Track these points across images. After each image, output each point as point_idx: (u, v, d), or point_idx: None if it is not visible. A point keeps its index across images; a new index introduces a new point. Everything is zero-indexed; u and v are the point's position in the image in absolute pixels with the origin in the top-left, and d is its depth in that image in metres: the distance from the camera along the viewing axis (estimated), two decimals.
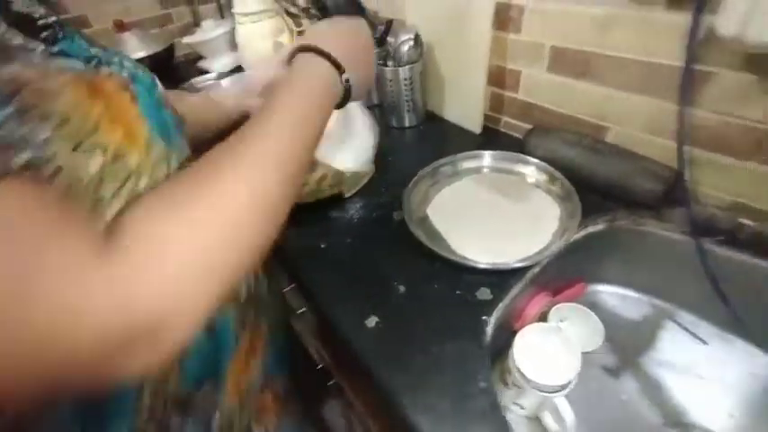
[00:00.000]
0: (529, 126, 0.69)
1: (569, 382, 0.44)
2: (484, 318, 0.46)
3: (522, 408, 0.52)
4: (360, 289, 0.52)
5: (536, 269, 0.53)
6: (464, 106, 0.76)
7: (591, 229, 0.57)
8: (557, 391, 0.45)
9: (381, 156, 0.74)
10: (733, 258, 0.50)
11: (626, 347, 0.60)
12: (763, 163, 0.46)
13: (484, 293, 0.49)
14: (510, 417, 0.54)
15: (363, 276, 0.54)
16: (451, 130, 0.80)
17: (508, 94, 0.71)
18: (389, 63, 0.79)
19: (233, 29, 1.18)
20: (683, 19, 0.44)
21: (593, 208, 0.57)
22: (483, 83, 0.68)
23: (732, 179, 0.50)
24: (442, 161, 0.67)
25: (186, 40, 1.19)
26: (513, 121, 0.73)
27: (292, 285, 0.70)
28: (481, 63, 0.66)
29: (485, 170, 0.66)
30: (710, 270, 0.51)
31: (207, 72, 1.19)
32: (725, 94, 0.46)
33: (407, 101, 0.78)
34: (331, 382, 0.95)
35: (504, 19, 0.63)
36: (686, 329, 0.59)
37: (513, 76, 0.68)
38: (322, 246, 0.59)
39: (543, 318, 0.59)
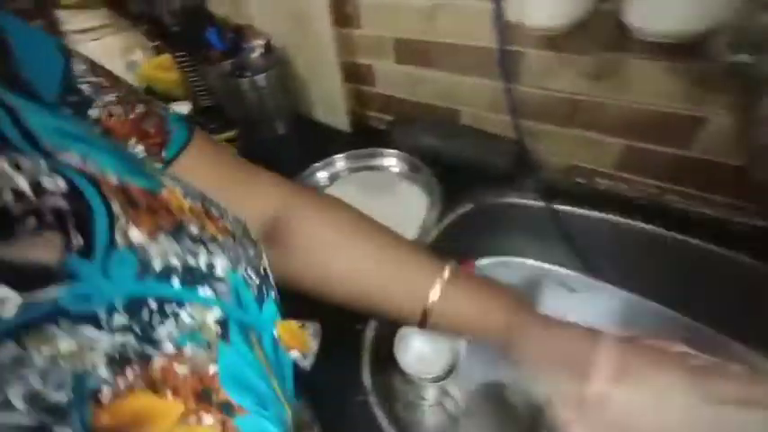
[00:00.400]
0: (391, 118, 0.70)
1: (451, 369, 0.45)
2: (359, 326, 0.45)
3: (425, 399, 0.53)
4: None
5: None
6: (329, 106, 0.74)
7: (460, 210, 0.59)
8: (441, 379, 0.46)
9: None
10: (577, 214, 0.56)
11: None
12: (581, 128, 0.52)
13: None
14: (419, 409, 0.55)
15: None
16: (324, 131, 0.78)
17: (367, 89, 0.71)
18: (246, 74, 0.75)
19: None
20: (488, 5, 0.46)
21: (459, 189, 0.59)
22: (339, 81, 0.67)
23: (561, 145, 0.55)
24: (311, 171, 0.65)
25: None
26: (380, 116, 0.73)
27: None
28: (332, 61, 0.65)
29: (348, 172, 0.65)
30: (562, 227, 0.56)
31: None
32: (535, 71, 0.50)
33: (271, 109, 0.75)
34: None
35: (342, 15, 0.62)
36: (558, 282, 0.65)
37: (367, 71, 0.68)
38: None
39: None
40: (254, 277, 0.24)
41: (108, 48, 1.03)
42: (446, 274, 0.31)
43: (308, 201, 0.35)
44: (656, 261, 0.54)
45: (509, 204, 0.61)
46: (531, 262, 0.67)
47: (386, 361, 0.46)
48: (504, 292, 0.32)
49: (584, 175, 0.56)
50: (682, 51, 0.39)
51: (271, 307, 0.25)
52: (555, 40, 0.46)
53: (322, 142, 0.75)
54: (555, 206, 0.56)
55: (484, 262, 0.70)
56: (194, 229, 0.20)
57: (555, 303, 0.64)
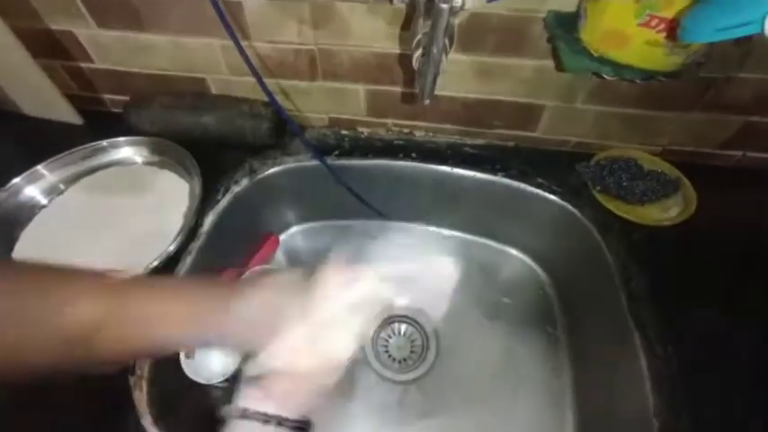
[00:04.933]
0: (129, 99, 0.57)
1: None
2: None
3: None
4: None
5: (189, 257, 0.46)
6: (32, 93, 0.56)
7: (236, 188, 0.54)
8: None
9: None
10: (350, 165, 0.57)
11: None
12: (326, 79, 0.51)
13: None
14: None
15: None
16: (43, 127, 0.59)
17: (84, 64, 0.55)
18: None
19: None
20: None
21: (226, 167, 0.53)
22: (25, 55, 0.50)
23: (316, 99, 0.54)
24: (13, 185, 0.48)
25: None
26: (115, 97, 0.59)
27: None
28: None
29: (87, 174, 0.52)
30: (343, 181, 0.56)
31: None
32: (260, 23, 0.46)
33: None
34: None
35: None
36: (362, 233, 0.67)
37: (68, 40, 0.52)
38: None
39: None
40: None
41: None
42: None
43: None
44: (429, 191, 0.60)
45: (287, 170, 0.58)
46: (334, 221, 0.68)
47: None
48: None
49: (346, 126, 0.57)
50: None
51: None
52: None
53: (43, 142, 0.56)
54: (329, 162, 0.55)
55: (290, 232, 0.67)
56: None
57: (362, 255, 0.66)
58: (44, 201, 0.48)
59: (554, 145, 0.56)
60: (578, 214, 0.52)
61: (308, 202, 0.64)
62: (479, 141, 0.57)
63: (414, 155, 0.56)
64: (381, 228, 0.68)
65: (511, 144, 0.57)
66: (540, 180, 0.54)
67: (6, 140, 0.57)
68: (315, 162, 0.58)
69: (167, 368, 0.39)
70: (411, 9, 0.34)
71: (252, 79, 0.52)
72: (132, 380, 0.36)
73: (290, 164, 0.57)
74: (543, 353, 0.56)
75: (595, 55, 0.35)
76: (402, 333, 0.60)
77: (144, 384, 0.36)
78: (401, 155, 0.57)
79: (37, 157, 0.51)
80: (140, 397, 0.35)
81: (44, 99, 0.56)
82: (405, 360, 0.58)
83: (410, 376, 0.55)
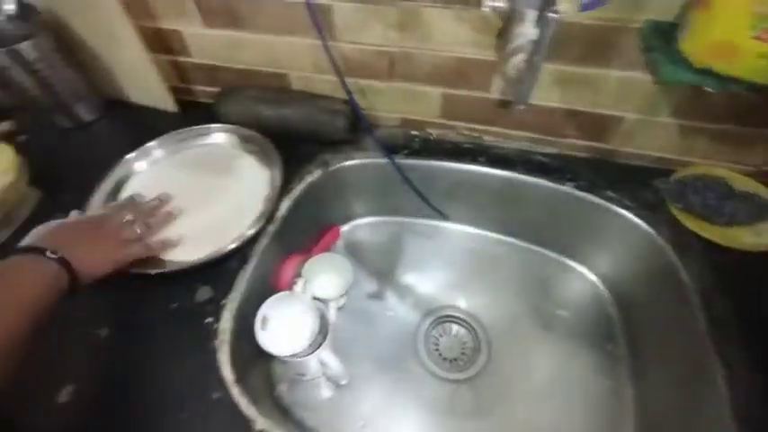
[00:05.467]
0: (219, 91, 0.63)
1: (315, 340, 0.44)
2: (209, 320, 0.41)
3: (304, 374, 0.52)
4: (46, 356, 0.39)
5: (265, 240, 0.50)
6: (141, 83, 0.62)
7: (309, 178, 0.57)
8: (310, 352, 0.45)
9: (47, 169, 0.55)
10: (417, 165, 0.58)
11: (382, 269, 0.66)
12: (403, 81, 0.53)
13: (203, 293, 0.43)
14: (302, 385, 0.54)
15: (50, 338, 0.40)
16: (145, 114, 0.66)
17: (183, 59, 0.61)
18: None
19: None
20: None
21: (303, 158, 0.57)
22: (141, 51, 0.56)
23: (390, 99, 0.56)
24: (126, 160, 0.55)
25: None
26: (207, 89, 0.65)
27: None
28: (125, 27, 0.53)
29: (179, 154, 0.57)
30: (408, 179, 0.58)
31: None
32: (347, 25, 0.48)
33: (61, 90, 0.60)
34: None
35: None
36: (418, 233, 0.68)
37: (175, 38, 0.58)
38: None
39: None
40: None
41: None
42: None
43: None
44: (491, 196, 0.60)
45: (357, 165, 0.60)
46: (392, 218, 0.70)
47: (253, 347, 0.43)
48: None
49: (416, 126, 0.59)
50: None
51: None
52: None
53: (144, 126, 0.63)
54: (397, 160, 0.57)
55: (352, 224, 0.70)
56: None
57: (414, 254, 0.68)
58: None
59: (630, 158, 0.54)
60: (652, 232, 0.50)
61: (372, 197, 0.66)
62: (550, 150, 0.56)
63: (481, 159, 0.57)
64: (440, 229, 0.69)
65: (584, 155, 0.56)
66: (611, 193, 0.53)
67: (117, 123, 0.65)
68: (383, 159, 0.60)
69: (246, 336, 0.43)
70: (503, 17, 0.35)
71: (331, 77, 0.56)
72: (216, 343, 0.40)
73: (359, 159, 0.60)
74: (601, 370, 0.54)
75: (698, 67, 0.33)
76: (453, 333, 0.61)
77: (227, 348, 0.40)
78: (468, 158, 0.57)
79: (142, 137, 0.58)
80: (223, 358, 0.39)
81: (149, 89, 0.63)
82: (455, 360, 0.58)
83: (459, 376, 0.56)
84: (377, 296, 0.64)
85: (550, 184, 0.55)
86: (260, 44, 0.55)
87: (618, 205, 0.53)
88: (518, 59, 0.31)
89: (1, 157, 0.51)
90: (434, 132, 0.59)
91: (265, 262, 0.50)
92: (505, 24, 0.35)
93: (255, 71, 0.59)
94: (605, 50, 0.43)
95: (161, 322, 0.41)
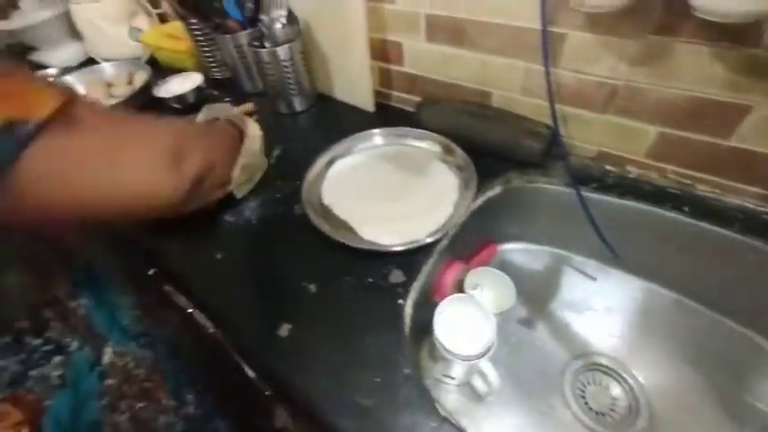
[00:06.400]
0: (419, 99, 0.69)
1: (489, 348, 0.45)
2: (400, 302, 0.45)
3: (453, 378, 0.53)
4: (267, 297, 0.47)
5: (444, 241, 0.53)
6: (352, 84, 0.72)
7: (489, 193, 0.59)
8: (479, 358, 0.46)
9: (272, 146, 0.67)
10: (605, 201, 0.56)
11: (535, 298, 0.65)
12: (616, 114, 0.52)
13: (396, 276, 0.47)
14: (443, 387, 0.55)
15: (269, 282, 0.49)
16: (344, 110, 0.76)
17: (394, 67, 0.69)
18: (266, 44, 0.72)
19: (66, 12, 0.97)
20: None
21: (488, 172, 0.59)
22: (366, 58, 0.65)
23: (595, 131, 0.55)
24: (337, 145, 0.63)
25: (1, 26, 0.95)
26: (405, 95, 0.72)
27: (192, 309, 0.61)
28: (360, 37, 0.63)
29: (381, 149, 0.64)
30: (590, 214, 0.56)
31: (45, 67, 0.97)
32: (576, 54, 0.49)
33: (291, 84, 0.72)
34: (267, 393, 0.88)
35: None
36: (579, 270, 0.65)
37: (395, 49, 0.66)
38: (218, 257, 0.52)
39: (461, 285, 0.60)
40: None
41: (110, 11, 0.98)
42: None
43: None
44: (683, 251, 0.55)
45: (538, 189, 0.60)
46: (554, 249, 0.68)
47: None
48: None
49: (614, 162, 0.56)
50: (735, 36, 0.39)
51: None
52: (601, 22, 0.46)
53: (343, 121, 0.73)
54: (583, 193, 0.56)
55: (508, 246, 0.70)
56: None
57: (572, 292, 0.65)
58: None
59: None
60: None
61: (541, 223, 0.65)
62: None
63: (686, 208, 0.52)
64: (608, 273, 0.64)
65: None
66: None
67: (323, 114, 0.76)
68: (566, 188, 0.59)
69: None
70: None
71: (537, 100, 0.57)
72: (404, 324, 0.43)
73: (542, 183, 0.60)
74: None
75: None
76: (604, 385, 0.56)
77: (407, 330, 0.43)
78: (669, 205, 0.53)
79: (343, 129, 0.66)
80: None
81: (357, 89, 0.72)
82: (602, 414, 0.54)
83: None
84: (527, 323, 0.63)
85: None
86: (473, 62, 0.59)
87: None
88: None
89: (253, 129, 0.65)
90: (634, 171, 0.56)
91: (438, 261, 0.53)
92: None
93: (459, 86, 0.63)
94: None
95: (359, 289, 0.46)
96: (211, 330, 0.64)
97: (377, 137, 0.65)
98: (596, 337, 0.60)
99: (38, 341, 0.33)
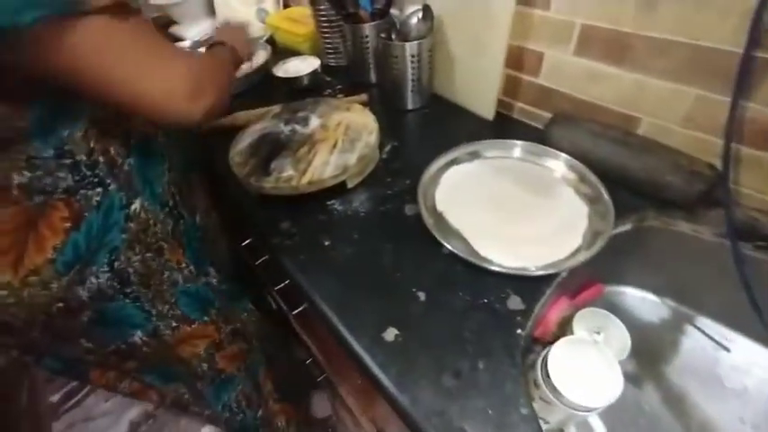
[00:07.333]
0: (546, 114, 0.64)
1: (610, 402, 0.40)
2: (519, 332, 0.41)
3: (547, 422, 0.48)
4: (374, 295, 0.46)
5: (564, 274, 0.48)
6: (476, 89, 0.69)
7: (618, 229, 0.53)
8: (595, 410, 0.40)
9: (384, 140, 0.66)
10: (766, 263, 0.47)
11: (646, 354, 0.57)
12: None
13: (515, 302, 0.44)
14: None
15: (376, 281, 0.47)
16: (460, 114, 0.73)
17: (526, 77, 0.65)
18: (394, 37, 0.71)
19: None
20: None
21: (620, 206, 0.52)
22: (500, 64, 0.61)
23: None
24: (459, 149, 0.60)
25: (154, 0, 1.05)
26: (530, 108, 0.67)
27: (286, 282, 0.62)
28: (500, 42, 0.59)
29: (503, 161, 0.60)
30: (746, 277, 0.48)
31: (180, 39, 1.06)
32: None
33: (413, 80, 0.71)
34: (321, 377, 0.89)
35: None
36: (708, 336, 0.56)
37: (534, 58, 0.61)
38: (326, 243, 0.52)
39: (563, 322, 0.55)
40: None
41: None
42: None
43: None
44: None
45: (676, 233, 0.53)
46: (676, 305, 0.59)
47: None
48: None
49: None
50: None
51: None
52: None
53: (458, 125, 0.70)
54: (742, 249, 0.48)
55: (617, 289, 0.63)
56: None
57: (696, 359, 0.56)
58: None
59: None
60: None
61: (667, 272, 0.58)
62: None
63: None
64: (738, 342, 0.55)
65: None
66: None
67: (435, 116, 0.74)
68: (716, 239, 0.51)
69: None
70: None
71: (698, 134, 0.50)
72: (522, 331, 0.39)
73: (684, 228, 0.52)
74: None
75: None
76: None
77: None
78: None
79: (457, 134, 0.64)
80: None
81: (480, 95, 0.69)
82: None
83: None
84: (634, 381, 0.55)
85: None
86: (626, 82, 0.53)
87: None
88: None
89: (369, 120, 0.64)
90: None
91: (553, 294, 0.48)
92: None
93: (600, 106, 0.57)
94: None
95: (472, 310, 0.43)
96: (299, 309, 0.65)
97: (507, 148, 0.61)
98: (722, 419, 0.51)
99: (89, 172, 0.41)
